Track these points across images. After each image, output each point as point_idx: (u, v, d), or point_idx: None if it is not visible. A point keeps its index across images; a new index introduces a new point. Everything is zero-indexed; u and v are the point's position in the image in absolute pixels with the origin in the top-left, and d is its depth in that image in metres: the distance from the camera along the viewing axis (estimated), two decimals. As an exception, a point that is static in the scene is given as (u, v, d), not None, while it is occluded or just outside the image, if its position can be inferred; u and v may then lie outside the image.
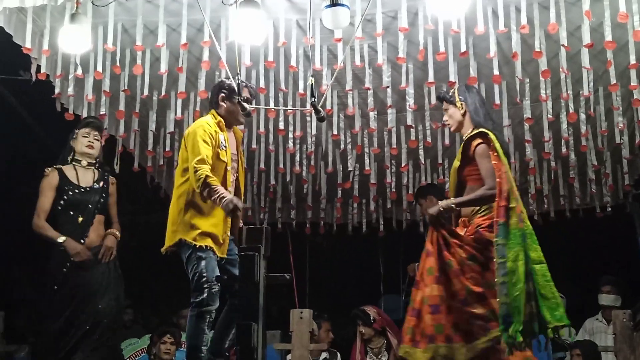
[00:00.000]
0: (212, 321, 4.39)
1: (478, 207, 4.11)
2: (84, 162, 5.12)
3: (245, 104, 4.43)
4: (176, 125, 6.21)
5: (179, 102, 5.81)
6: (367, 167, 6.60)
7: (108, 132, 6.09)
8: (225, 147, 4.48)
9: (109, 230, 5.14)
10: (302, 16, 5.12)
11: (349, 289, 9.93)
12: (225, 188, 4.31)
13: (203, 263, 4.25)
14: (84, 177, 5.09)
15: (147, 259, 10.29)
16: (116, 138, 6.22)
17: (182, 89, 5.53)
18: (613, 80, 5.13)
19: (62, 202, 5.01)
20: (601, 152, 6.42)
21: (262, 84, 5.66)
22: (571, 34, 5.04)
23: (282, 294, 7.27)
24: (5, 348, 6.29)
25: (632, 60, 4.88)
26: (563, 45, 4.96)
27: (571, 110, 5.63)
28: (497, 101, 5.62)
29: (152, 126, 6.18)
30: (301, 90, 5.56)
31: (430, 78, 5.30)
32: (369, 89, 5.64)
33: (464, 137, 4.28)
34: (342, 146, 6.61)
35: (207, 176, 4.17)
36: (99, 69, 5.37)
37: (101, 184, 5.13)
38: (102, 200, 5.11)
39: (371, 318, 6.25)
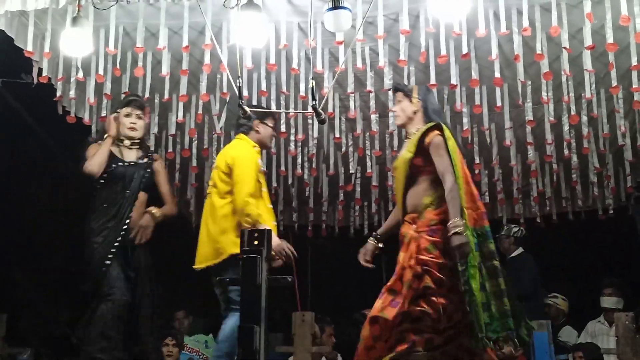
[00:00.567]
0: None
1: (429, 202, 4.06)
2: (127, 143, 4.95)
3: (245, 107, 4.43)
4: (178, 127, 6.22)
5: (181, 104, 5.81)
6: (368, 170, 6.60)
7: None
8: (263, 170, 4.83)
9: (148, 208, 4.92)
10: (303, 19, 5.12)
11: (350, 291, 9.91)
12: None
13: None
14: (128, 154, 4.91)
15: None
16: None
17: (183, 91, 5.53)
18: (615, 83, 5.13)
19: (105, 174, 4.81)
20: (603, 155, 6.42)
21: (263, 86, 5.66)
22: (573, 36, 5.03)
23: (284, 296, 7.25)
24: (8, 351, 6.29)
25: (634, 62, 4.87)
26: (565, 47, 4.96)
27: (573, 113, 5.63)
28: (499, 103, 5.61)
29: (154, 129, 6.18)
30: (302, 93, 5.56)
31: (432, 80, 5.30)
32: (370, 91, 5.65)
33: (413, 132, 4.24)
34: (343, 149, 6.62)
35: (259, 216, 4.41)
36: (101, 71, 5.37)
37: (145, 160, 4.95)
38: (146, 176, 4.90)
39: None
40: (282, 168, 6.71)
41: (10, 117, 7.88)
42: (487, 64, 5.26)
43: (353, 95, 5.79)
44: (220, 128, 6.18)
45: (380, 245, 4.37)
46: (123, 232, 4.75)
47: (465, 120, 5.86)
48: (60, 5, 4.88)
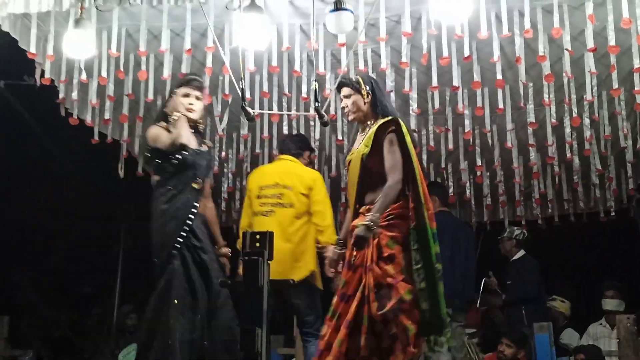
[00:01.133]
0: None
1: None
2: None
3: (248, 109, 4.44)
4: (180, 129, 6.21)
5: (183, 106, 5.81)
6: (370, 172, 6.59)
7: (112, 136, 6.11)
8: None
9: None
10: (305, 21, 5.13)
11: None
12: None
13: None
14: (190, 139, 4.43)
15: (150, 263, 10.34)
16: (120, 142, 6.23)
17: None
18: (616, 85, 5.13)
19: (174, 161, 4.35)
20: (605, 157, 6.42)
21: (265, 88, 5.67)
22: (575, 38, 5.04)
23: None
24: (10, 353, 6.30)
25: (636, 64, 4.87)
26: (566, 49, 4.96)
27: (575, 115, 5.63)
28: (501, 105, 5.62)
29: (156, 131, 6.18)
30: (305, 95, 5.57)
31: (434, 82, 5.30)
32: (372, 93, 5.64)
33: (367, 125, 4.13)
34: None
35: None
36: (103, 74, 5.38)
37: (203, 146, 4.54)
38: (211, 164, 4.69)
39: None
40: (284, 170, 6.71)
41: (13, 119, 7.89)
42: (489, 66, 5.27)
43: (355, 97, 5.78)
44: (222, 129, 6.19)
45: (344, 250, 4.13)
46: (189, 223, 4.40)
47: (467, 122, 5.87)
48: (63, 8, 4.90)
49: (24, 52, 5.19)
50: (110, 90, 5.52)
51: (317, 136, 6.15)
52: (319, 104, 4.24)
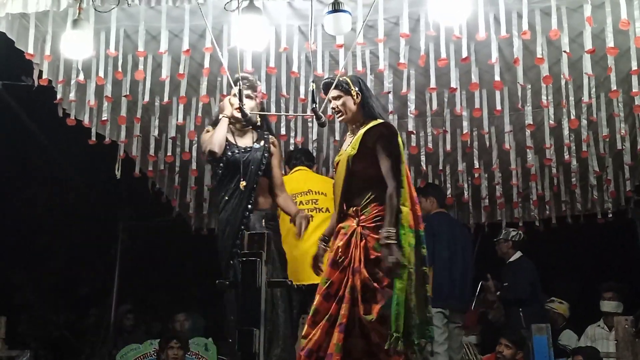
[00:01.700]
0: None
1: (374, 196, 3.91)
2: (238, 126, 4.66)
3: (245, 110, 4.43)
4: (178, 130, 6.22)
5: (181, 107, 5.81)
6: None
7: (110, 137, 6.10)
8: None
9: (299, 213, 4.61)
10: (303, 22, 5.13)
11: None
12: None
13: None
14: (242, 138, 4.62)
15: (148, 263, 10.34)
16: (118, 143, 6.22)
17: (183, 94, 5.54)
18: (614, 87, 5.13)
19: (221, 164, 4.53)
20: (603, 158, 6.42)
21: (263, 89, 5.65)
22: (573, 40, 5.04)
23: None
24: (7, 353, 6.28)
25: (634, 66, 4.87)
26: (565, 51, 4.96)
27: (573, 117, 5.63)
28: (499, 107, 5.61)
29: (155, 131, 6.18)
30: (302, 96, 5.57)
31: (432, 84, 5.30)
32: (370, 94, 5.64)
33: (355, 127, 4.11)
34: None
35: None
36: (101, 74, 5.37)
37: (261, 142, 4.63)
38: (263, 162, 4.59)
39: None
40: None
41: (10, 119, 7.89)
42: (487, 67, 5.27)
43: (353, 98, 5.78)
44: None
45: (328, 247, 4.13)
46: (245, 222, 4.43)
47: (465, 123, 5.86)
48: (61, 8, 4.88)
49: (22, 53, 5.17)
50: (108, 90, 5.51)
51: (315, 137, 6.15)
52: (317, 105, 4.23)
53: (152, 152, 6.35)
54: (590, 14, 4.68)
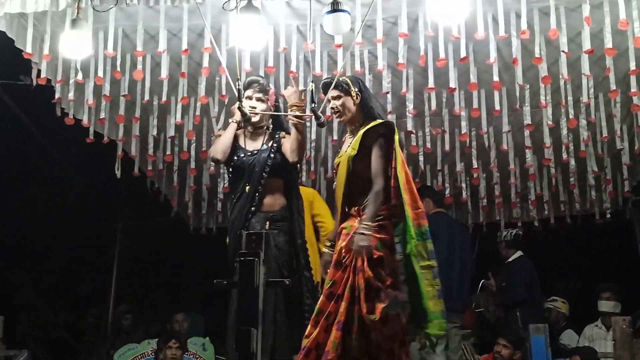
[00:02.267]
0: None
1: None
2: (250, 129, 4.56)
3: (245, 110, 4.43)
4: (176, 130, 6.22)
5: (179, 106, 5.81)
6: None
7: (108, 136, 6.10)
8: None
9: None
10: (302, 22, 5.13)
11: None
12: None
13: None
14: (253, 142, 4.53)
15: (147, 263, 10.35)
16: (117, 142, 6.22)
17: (182, 94, 5.53)
18: (613, 87, 5.14)
19: (230, 168, 4.51)
20: (601, 159, 6.42)
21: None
22: (571, 40, 5.05)
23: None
24: (5, 353, 6.28)
25: (632, 66, 4.88)
26: (563, 51, 4.97)
27: (571, 117, 5.63)
28: (497, 107, 5.62)
29: (153, 131, 6.18)
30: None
31: (431, 84, 5.30)
32: (368, 94, 5.65)
33: (355, 127, 4.11)
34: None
35: None
36: (100, 74, 5.38)
37: (270, 143, 4.51)
38: (268, 163, 4.44)
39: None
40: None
41: (9, 119, 7.88)
42: (486, 67, 5.27)
43: (352, 98, 5.78)
44: (219, 130, 6.18)
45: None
46: (247, 224, 4.37)
47: (463, 123, 5.87)
48: (59, 8, 4.89)
49: (20, 52, 5.17)
50: (107, 90, 5.51)
51: (314, 137, 6.15)
52: (316, 105, 4.23)
53: (150, 151, 6.35)
54: (588, 14, 4.69)
